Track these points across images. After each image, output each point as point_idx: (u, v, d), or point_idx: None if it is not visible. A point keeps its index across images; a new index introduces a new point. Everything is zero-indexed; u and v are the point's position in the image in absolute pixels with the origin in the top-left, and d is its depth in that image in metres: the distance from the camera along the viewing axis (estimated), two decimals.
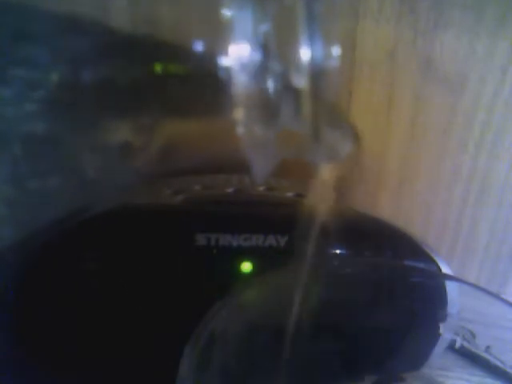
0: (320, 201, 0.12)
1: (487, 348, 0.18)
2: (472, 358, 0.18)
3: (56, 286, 0.18)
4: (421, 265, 0.20)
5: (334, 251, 0.20)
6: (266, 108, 0.09)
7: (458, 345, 0.18)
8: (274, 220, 0.20)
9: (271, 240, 0.19)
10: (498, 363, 0.18)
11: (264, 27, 0.08)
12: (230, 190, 0.22)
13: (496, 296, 0.17)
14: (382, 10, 0.27)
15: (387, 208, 0.32)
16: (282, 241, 0.19)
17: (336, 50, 0.09)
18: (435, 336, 0.19)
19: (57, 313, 0.18)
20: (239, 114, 0.09)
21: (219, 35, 0.08)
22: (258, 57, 0.08)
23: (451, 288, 0.19)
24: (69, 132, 0.08)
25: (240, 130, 0.09)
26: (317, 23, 0.08)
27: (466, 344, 0.18)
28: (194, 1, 0.09)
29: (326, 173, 0.11)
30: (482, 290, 0.17)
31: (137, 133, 0.09)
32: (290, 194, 0.23)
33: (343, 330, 0.16)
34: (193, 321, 0.14)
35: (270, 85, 0.09)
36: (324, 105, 0.09)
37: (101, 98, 0.08)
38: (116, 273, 0.19)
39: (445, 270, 0.20)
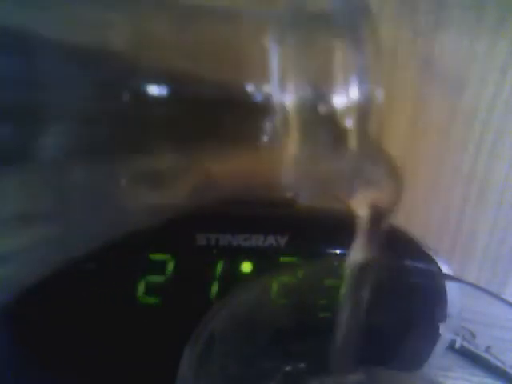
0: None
1: (487, 348, 0.18)
2: (472, 358, 0.18)
3: (56, 286, 0.18)
4: (421, 265, 0.20)
5: (334, 251, 0.20)
6: (310, 143, 0.09)
7: (458, 345, 0.18)
8: (274, 220, 0.20)
9: (271, 240, 0.19)
10: (498, 363, 0.18)
11: (312, 64, 0.09)
12: None
13: (496, 296, 0.17)
14: (382, 10, 0.27)
15: None
16: (282, 241, 0.19)
17: (379, 92, 0.09)
18: (435, 336, 0.18)
19: (57, 313, 0.18)
20: (284, 147, 0.09)
21: (265, 69, 0.08)
22: (304, 92, 0.09)
23: (451, 288, 0.19)
24: (109, 163, 0.08)
25: (283, 163, 0.09)
26: (364, 64, 0.09)
27: (466, 344, 0.18)
28: (239, 34, 0.09)
29: (364, 204, 0.12)
30: (482, 290, 0.17)
31: (178, 163, 0.09)
32: (289, 194, 0.23)
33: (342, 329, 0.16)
34: (193, 321, 0.14)
35: (315, 120, 0.09)
36: (367, 142, 0.10)
37: (139, 126, 0.08)
38: (115, 273, 0.19)
39: (445, 270, 0.20)
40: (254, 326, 0.16)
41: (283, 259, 0.19)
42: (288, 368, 0.18)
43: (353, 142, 0.09)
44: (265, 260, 0.19)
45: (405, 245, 0.21)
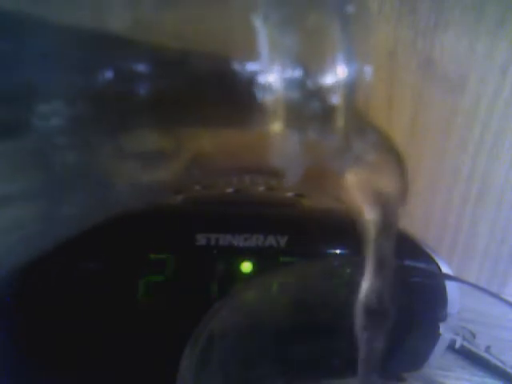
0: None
1: (487, 348, 0.18)
2: (472, 358, 0.18)
3: (56, 287, 0.18)
4: (421, 265, 0.20)
5: (334, 251, 0.20)
6: (298, 120, 0.09)
7: (457, 345, 0.18)
8: (274, 220, 0.20)
9: (271, 240, 0.19)
10: (498, 363, 0.18)
11: (299, 41, 0.09)
12: (229, 190, 0.22)
13: (496, 296, 0.17)
14: (382, 10, 0.27)
15: None
16: (282, 241, 0.19)
17: (369, 68, 0.09)
18: (435, 336, 0.18)
19: (57, 313, 0.18)
20: (271, 125, 0.09)
21: (252, 48, 0.08)
22: (291, 71, 0.09)
23: (451, 288, 0.19)
24: (98, 142, 0.08)
25: (272, 141, 0.09)
26: (351, 41, 0.09)
27: (466, 344, 0.18)
28: (226, 12, 0.09)
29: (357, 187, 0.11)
30: (482, 290, 0.17)
31: (168, 142, 0.09)
32: (289, 194, 0.23)
33: (343, 330, 0.16)
34: (193, 321, 0.14)
35: (303, 98, 0.09)
36: (355, 118, 0.10)
37: (131, 106, 0.08)
38: (116, 273, 0.19)
39: (445, 270, 0.20)
40: (254, 327, 0.16)
41: (283, 259, 0.19)
42: (288, 370, 0.18)
43: (340, 119, 0.09)
44: (265, 260, 0.19)
45: (405, 245, 0.21)
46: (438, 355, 0.19)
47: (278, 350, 0.17)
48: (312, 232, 0.20)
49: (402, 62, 0.29)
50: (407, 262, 0.20)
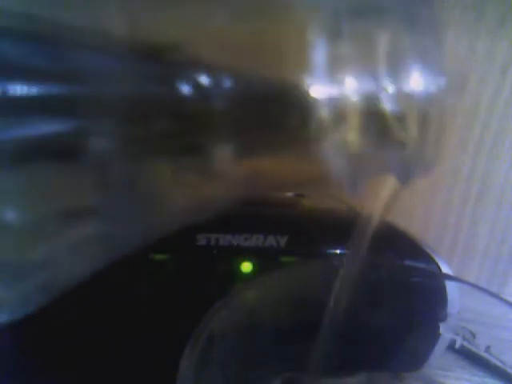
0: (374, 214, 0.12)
1: (487, 348, 0.18)
2: (472, 358, 0.18)
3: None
4: (421, 265, 0.20)
5: (334, 251, 0.20)
6: (365, 135, 0.09)
7: (457, 345, 0.18)
8: (274, 220, 0.20)
9: (271, 240, 0.19)
10: (498, 363, 0.18)
11: (363, 54, 0.09)
12: None
13: (496, 296, 0.17)
14: None
15: None
16: (282, 241, 0.19)
17: (442, 79, 0.09)
18: (435, 336, 0.18)
19: (57, 312, 0.18)
20: (336, 140, 0.09)
21: (308, 62, 0.08)
22: (355, 84, 0.09)
23: (451, 288, 0.19)
24: (157, 159, 0.08)
25: (331, 155, 0.09)
26: (424, 51, 0.09)
27: (466, 344, 0.18)
28: (283, 26, 0.09)
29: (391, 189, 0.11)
30: (482, 290, 0.17)
31: (227, 158, 0.09)
32: (289, 194, 0.23)
33: (343, 330, 0.16)
34: (193, 321, 0.14)
35: (369, 111, 0.09)
36: (426, 131, 0.10)
37: (190, 124, 0.08)
38: (116, 273, 0.19)
39: (445, 270, 0.20)
40: (254, 327, 0.16)
41: (283, 259, 0.19)
42: (288, 370, 0.18)
43: (414, 130, 0.09)
44: (265, 260, 0.19)
45: (405, 245, 0.21)
46: (438, 355, 0.19)
47: (278, 349, 0.17)
48: (312, 232, 0.20)
49: None
50: (407, 262, 0.20)
